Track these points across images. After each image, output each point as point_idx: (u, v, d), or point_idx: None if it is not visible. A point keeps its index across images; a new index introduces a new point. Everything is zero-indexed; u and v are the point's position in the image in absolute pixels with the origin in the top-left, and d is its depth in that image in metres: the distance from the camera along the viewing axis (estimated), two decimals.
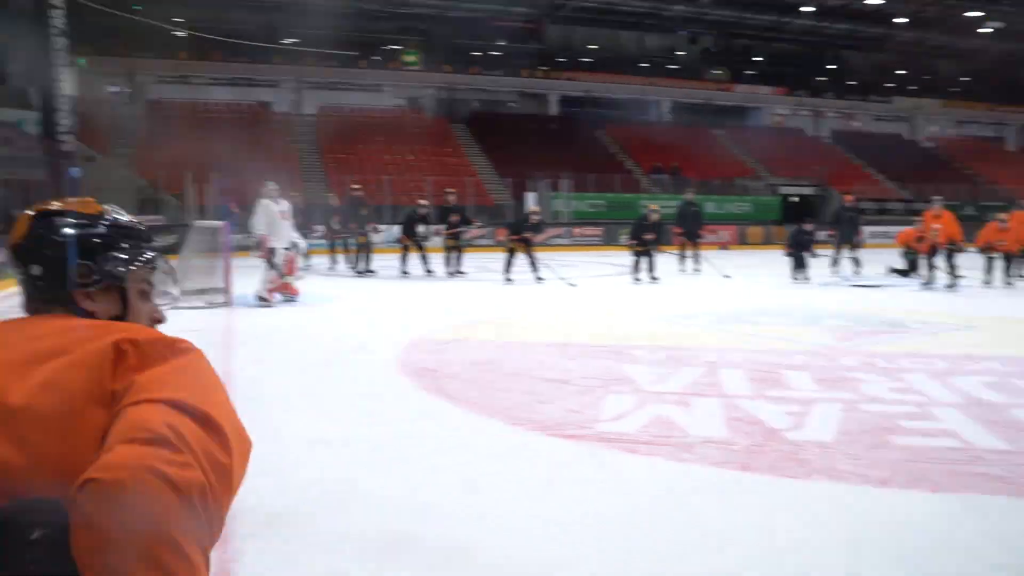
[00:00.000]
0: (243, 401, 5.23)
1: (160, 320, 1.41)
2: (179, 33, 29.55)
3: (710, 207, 26.81)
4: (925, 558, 3.11)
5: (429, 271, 14.25)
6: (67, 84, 20.99)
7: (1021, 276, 13.83)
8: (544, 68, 35.79)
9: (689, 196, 16.32)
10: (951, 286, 12.63)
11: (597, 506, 3.60)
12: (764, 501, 3.71)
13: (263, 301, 10.17)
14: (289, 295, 10.59)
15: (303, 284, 11.62)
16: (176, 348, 1.19)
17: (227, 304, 10.10)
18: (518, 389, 5.73)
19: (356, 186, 16.04)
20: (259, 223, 10.16)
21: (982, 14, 35.80)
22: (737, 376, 6.19)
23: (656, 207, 14.59)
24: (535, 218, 13.76)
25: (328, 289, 12.69)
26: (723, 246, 24.79)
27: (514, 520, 3.43)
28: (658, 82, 37.26)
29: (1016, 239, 13.34)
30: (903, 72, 42.23)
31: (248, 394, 5.59)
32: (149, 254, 1.40)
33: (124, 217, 1.41)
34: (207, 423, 1.08)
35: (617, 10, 35.31)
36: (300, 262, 10.74)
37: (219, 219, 12.18)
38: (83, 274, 1.31)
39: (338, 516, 3.44)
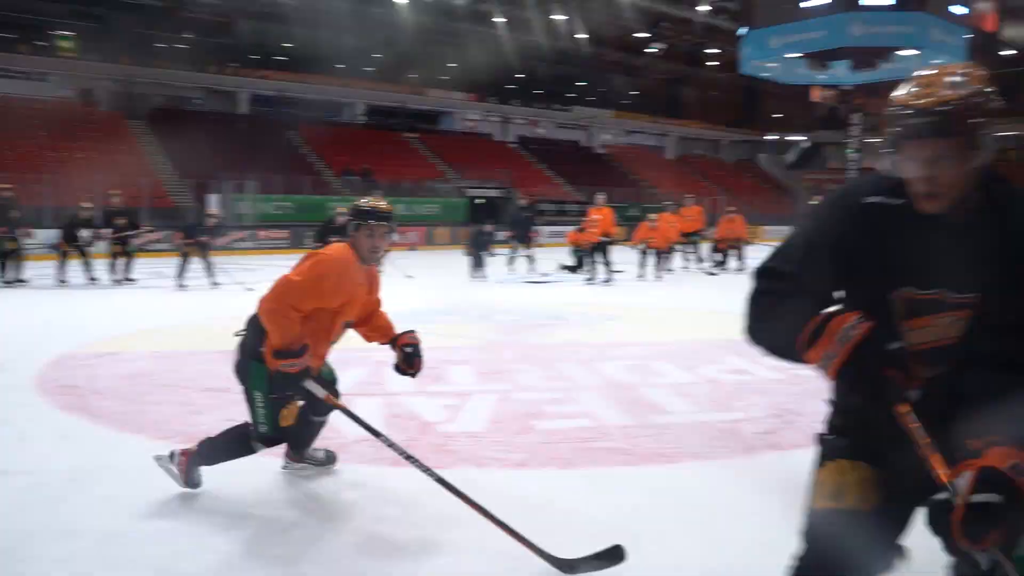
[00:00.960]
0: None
1: None
2: None
3: (400, 209, 27.14)
4: (550, 530, 3.34)
5: (92, 279, 13.13)
6: None
7: (669, 271, 15.48)
8: (235, 65, 34.36)
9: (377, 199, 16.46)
10: (608, 280, 13.83)
11: (233, 512, 3.52)
12: (411, 491, 3.80)
13: None
14: None
15: None
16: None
17: None
18: (173, 401, 5.44)
19: (5, 186, 14.32)
20: None
21: (649, 35, 39.73)
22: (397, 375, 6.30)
23: (344, 209, 14.50)
24: (212, 220, 13.16)
25: None
26: (411, 247, 25.28)
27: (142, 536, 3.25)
28: (353, 84, 37.20)
29: (663, 237, 14.90)
30: (582, 84, 45.72)
31: None
32: None
33: None
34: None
35: (313, 8, 34.77)
36: None
37: None
38: None
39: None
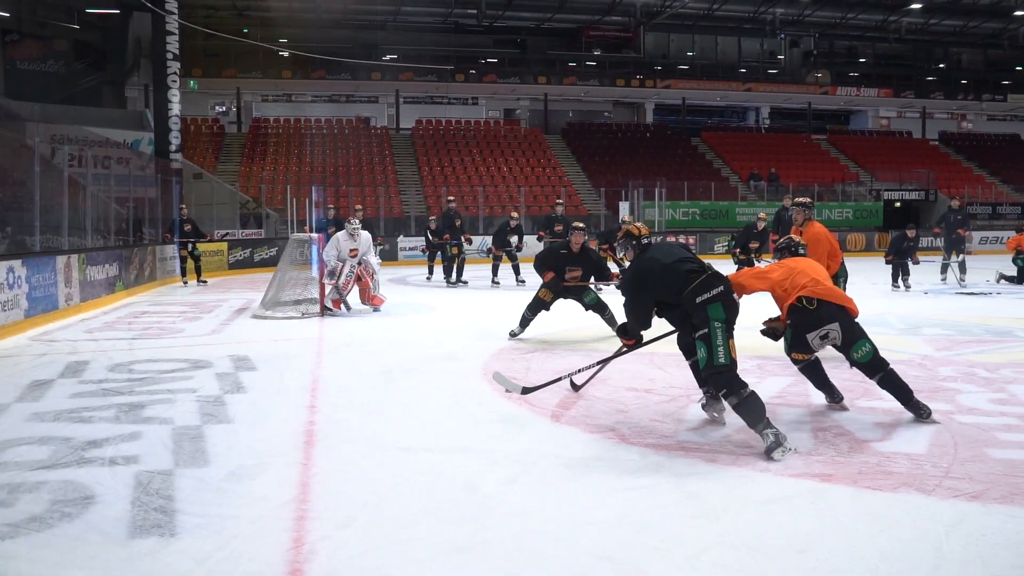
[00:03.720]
0: (332, 408, 5.42)
1: None
2: (283, 53, 30.65)
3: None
4: (1010, 573, 3.00)
5: (522, 281, 14.35)
6: (178, 106, 22.05)
7: None
8: (639, 77, 35.60)
9: (787, 203, 15.96)
10: None
11: (668, 515, 3.60)
12: (847, 513, 3.63)
13: (328, 311, 10.52)
14: (374, 305, 10.94)
15: (399, 295, 11.98)
16: None
17: (320, 314, 10.42)
18: (601, 397, 5.74)
19: (451, 198, 16.33)
20: (330, 256, 10.60)
21: None
22: None
23: (764, 215, 14.37)
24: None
25: (422, 299, 12.95)
26: None
27: (588, 528, 3.46)
28: (756, 87, 36.60)
29: None
30: (1020, 68, 40.32)
31: (337, 401, 5.79)
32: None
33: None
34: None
35: (714, 16, 34.94)
36: (374, 283, 11.10)
37: (317, 232, 12.58)
38: None
39: (417, 518, 3.52)
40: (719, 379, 4.50)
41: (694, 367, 5.14)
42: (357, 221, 11.13)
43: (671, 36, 37.53)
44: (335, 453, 4.46)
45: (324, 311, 10.50)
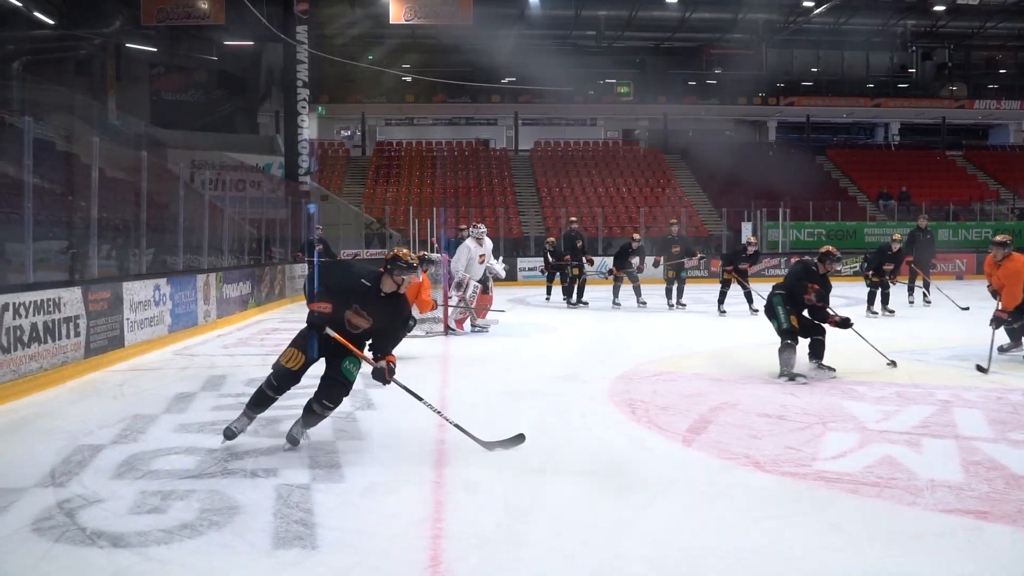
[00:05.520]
0: (460, 424, 5.45)
1: None
2: (406, 78, 31.47)
3: (944, 234, 24.98)
4: None
5: (642, 302, 14.20)
6: (307, 130, 22.93)
7: None
8: (762, 94, 34.86)
9: (922, 223, 15.30)
10: None
11: (810, 547, 3.46)
12: (1006, 553, 3.41)
13: (451, 331, 10.66)
14: (481, 326, 11.06)
15: (519, 315, 12.10)
16: None
17: (444, 333, 10.57)
18: (732, 423, 5.60)
19: (573, 219, 16.35)
20: (459, 264, 10.75)
21: None
22: (975, 416, 5.73)
23: (899, 236, 13.80)
24: (752, 248, 13.39)
25: (542, 319, 12.98)
26: (959, 276, 22.98)
27: (726, 557, 3.36)
28: (885, 103, 35.25)
29: None
30: None
31: (464, 418, 5.83)
32: None
33: None
34: None
35: (840, 30, 33.91)
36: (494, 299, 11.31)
37: (442, 252, 12.80)
38: None
39: (550, 541, 3.50)
40: None
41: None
42: (483, 226, 11.33)
43: (794, 52, 36.61)
44: (466, 472, 4.48)
45: (448, 330, 10.66)
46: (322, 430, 5.40)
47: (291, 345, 5.00)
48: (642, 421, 5.68)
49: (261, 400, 5.01)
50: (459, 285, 10.83)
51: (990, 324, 7.96)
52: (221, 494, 4.07)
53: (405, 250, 4.92)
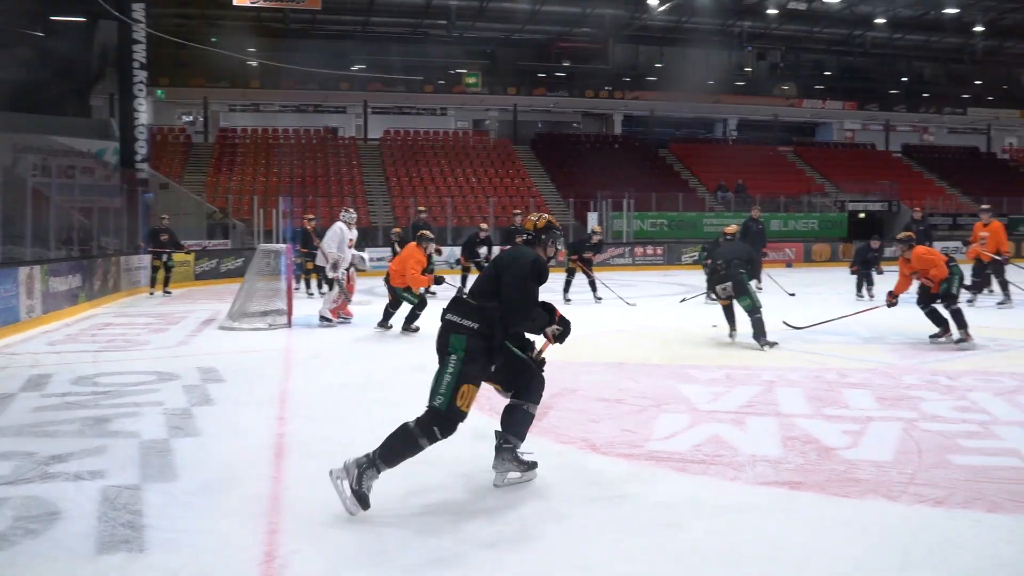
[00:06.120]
0: (302, 420, 5.36)
1: None
2: (251, 63, 30.47)
3: (775, 224, 26.49)
4: None
5: None
6: (144, 115, 21.82)
7: None
8: (608, 88, 35.81)
9: (755, 213, 16.14)
10: (1003, 303, 12.28)
11: (638, 524, 3.62)
12: (816, 520, 3.67)
13: (326, 321, 10.45)
14: (345, 316, 10.86)
15: (367, 308, 11.96)
16: None
17: (288, 325, 10.35)
18: (572, 408, 5.76)
19: (421, 208, 16.28)
20: (332, 244, 10.51)
21: None
22: (795, 395, 6.13)
23: (734, 227, 14.52)
24: (596, 238, 13.76)
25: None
26: (788, 264, 24.44)
27: (554, 539, 3.47)
28: (724, 100, 36.96)
29: None
30: (979, 82, 41.14)
31: (308, 413, 5.75)
32: None
33: None
34: None
35: (682, 28, 35.29)
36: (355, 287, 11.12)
37: (285, 242, 12.51)
38: None
39: (388, 532, 3.51)
40: None
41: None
42: (354, 211, 11.14)
43: (639, 48, 37.85)
44: (306, 466, 4.42)
45: (324, 320, 10.45)
46: (155, 428, 5.20)
47: (465, 381, 3.84)
48: (484, 410, 5.75)
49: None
50: (335, 266, 10.55)
51: (887, 304, 8.98)
52: (39, 500, 3.85)
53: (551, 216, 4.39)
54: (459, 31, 33.88)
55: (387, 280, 10.00)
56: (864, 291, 13.81)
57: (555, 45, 36.13)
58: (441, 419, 3.75)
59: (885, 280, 14.28)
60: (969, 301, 12.76)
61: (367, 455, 3.69)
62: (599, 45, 36.15)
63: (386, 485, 3.84)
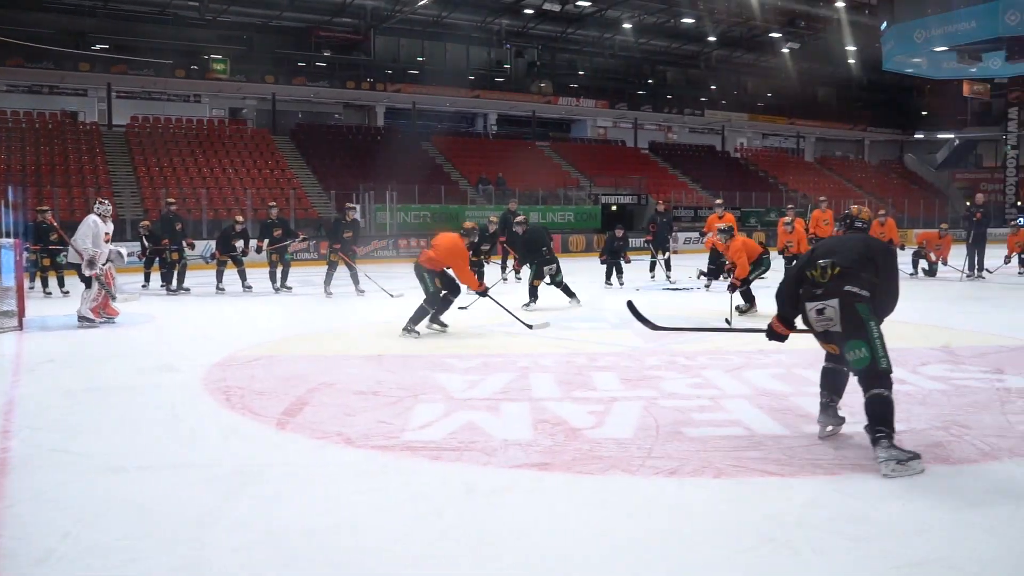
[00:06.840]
0: (32, 432, 4.93)
1: None
2: None
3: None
4: (703, 538, 3.33)
5: (247, 287, 13.82)
6: None
7: None
8: (370, 80, 35.53)
9: (512, 206, 16.64)
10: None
11: (396, 512, 3.63)
12: (564, 497, 3.84)
13: (87, 321, 9.59)
14: (108, 316, 10.02)
15: (135, 304, 11.20)
16: None
17: (19, 328, 9.41)
18: (328, 403, 5.66)
19: (171, 200, 15.31)
20: (86, 240, 9.59)
21: (781, 35, 38.68)
22: (547, 380, 6.37)
23: (495, 218, 14.92)
24: (351, 214, 13.66)
25: (139, 308, 12.04)
26: None
27: (316, 535, 3.40)
28: (484, 95, 37.77)
29: (800, 240, 14.23)
30: (714, 87, 44.89)
31: (39, 423, 5.26)
32: None
33: None
34: None
35: (443, 23, 35.70)
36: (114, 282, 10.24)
37: (14, 237, 11.33)
38: None
39: (131, 543, 3.28)
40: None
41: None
42: (108, 203, 10.19)
43: (401, 41, 37.84)
44: (34, 481, 4.04)
45: (83, 321, 9.52)
46: None
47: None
48: (236, 408, 5.54)
49: None
50: (91, 263, 9.58)
51: (728, 289, 10.30)
52: None
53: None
54: (212, 14, 32.25)
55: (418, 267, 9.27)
56: (614, 279, 14.62)
57: (315, 33, 35.30)
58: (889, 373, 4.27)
59: (632, 269, 15.26)
60: (706, 286, 13.90)
61: (879, 433, 4.15)
62: (360, 36, 35.77)
63: (128, 500, 3.56)
